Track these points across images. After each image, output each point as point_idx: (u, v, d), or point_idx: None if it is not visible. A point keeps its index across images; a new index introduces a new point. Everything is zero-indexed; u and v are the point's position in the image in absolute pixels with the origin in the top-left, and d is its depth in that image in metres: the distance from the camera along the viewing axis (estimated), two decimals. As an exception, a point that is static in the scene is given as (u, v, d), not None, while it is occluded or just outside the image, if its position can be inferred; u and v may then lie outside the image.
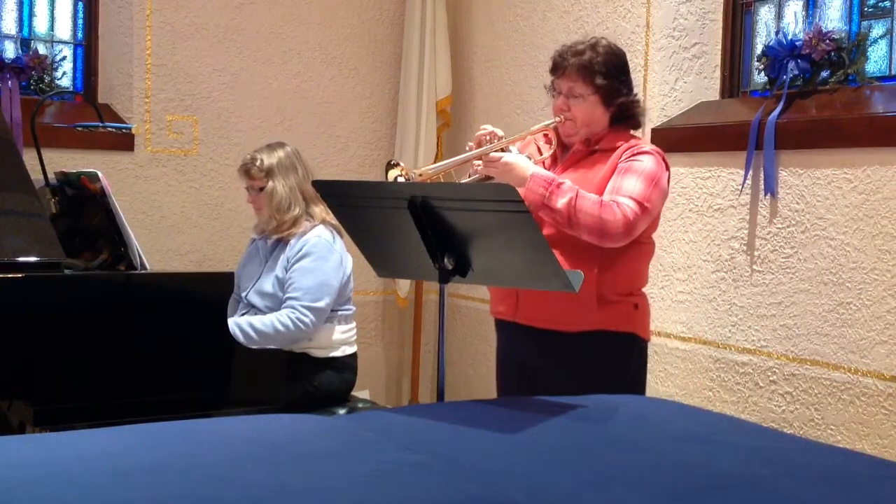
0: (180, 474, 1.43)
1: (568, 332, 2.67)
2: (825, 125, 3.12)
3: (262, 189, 3.33)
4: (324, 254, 3.28)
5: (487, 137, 2.70)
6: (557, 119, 2.74)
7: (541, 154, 2.80)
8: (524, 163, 2.63)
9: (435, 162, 4.54)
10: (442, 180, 2.64)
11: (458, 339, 4.71)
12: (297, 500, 1.37)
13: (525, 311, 2.72)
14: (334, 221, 3.33)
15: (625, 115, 2.75)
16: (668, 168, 2.72)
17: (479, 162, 2.67)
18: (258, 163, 3.33)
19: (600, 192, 2.61)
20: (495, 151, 2.65)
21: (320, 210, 3.33)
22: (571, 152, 2.76)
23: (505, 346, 2.90)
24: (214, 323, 2.76)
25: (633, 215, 2.55)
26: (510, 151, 2.68)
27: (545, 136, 2.82)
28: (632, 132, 2.80)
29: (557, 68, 2.74)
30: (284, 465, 1.52)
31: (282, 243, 3.33)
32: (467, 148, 2.73)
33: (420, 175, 2.61)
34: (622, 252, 2.63)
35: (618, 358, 2.71)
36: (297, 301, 3.21)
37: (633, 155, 2.66)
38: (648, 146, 2.74)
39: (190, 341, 2.73)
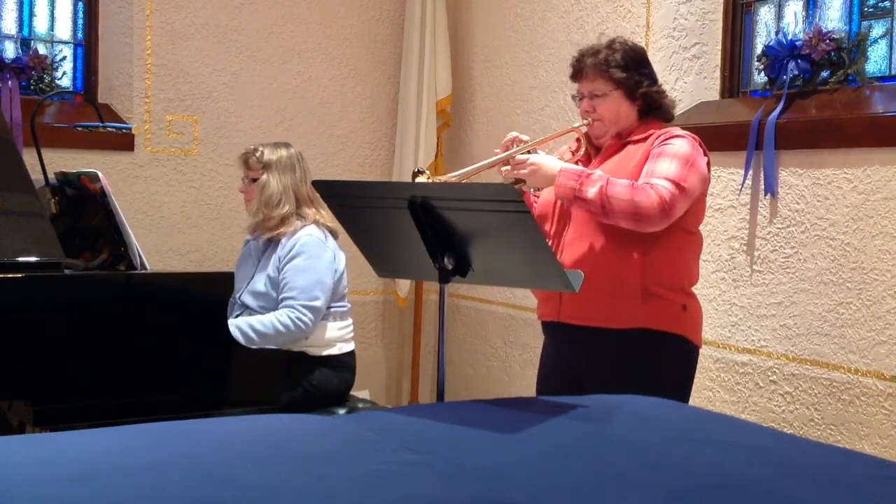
0: (180, 474, 1.43)
1: (611, 329, 2.59)
2: (825, 125, 3.12)
3: (255, 180, 3.35)
4: (316, 252, 3.28)
5: (512, 143, 2.68)
6: (585, 121, 2.70)
7: (572, 154, 2.75)
8: (552, 162, 2.60)
9: (435, 161, 4.55)
10: None
11: (458, 339, 4.71)
12: (297, 500, 1.37)
13: (568, 310, 2.64)
14: (328, 223, 3.34)
15: (652, 106, 2.69)
16: (706, 153, 2.64)
17: (506, 168, 2.64)
18: (258, 154, 3.36)
19: (634, 180, 2.54)
20: (521, 154, 2.63)
21: (312, 212, 3.35)
22: (605, 148, 2.71)
23: (550, 349, 2.82)
24: (214, 323, 2.76)
25: (670, 195, 2.48)
26: (537, 153, 2.66)
27: (577, 140, 2.76)
28: (664, 124, 2.74)
29: (577, 73, 2.72)
30: (284, 465, 1.52)
31: (273, 243, 3.35)
32: (495, 153, 2.70)
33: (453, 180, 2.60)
34: (665, 239, 2.56)
35: (661, 361, 2.61)
36: (295, 300, 3.21)
37: (666, 139, 2.61)
38: (681, 131, 2.67)
39: (190, 341, 2.73)
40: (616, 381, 2.45)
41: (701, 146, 2.64)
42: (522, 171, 2.60)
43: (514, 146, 2.67)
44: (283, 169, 3.35)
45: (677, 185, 2.50)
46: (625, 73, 2.65)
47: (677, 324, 2.62)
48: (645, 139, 2.65)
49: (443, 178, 2.63)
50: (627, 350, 2.59)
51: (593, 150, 2.76)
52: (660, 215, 2.48)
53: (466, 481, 1.50)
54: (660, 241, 2.56)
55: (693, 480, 1.55)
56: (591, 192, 2.49)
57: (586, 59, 2.69)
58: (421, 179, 2.51)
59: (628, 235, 2.53)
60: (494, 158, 2.68)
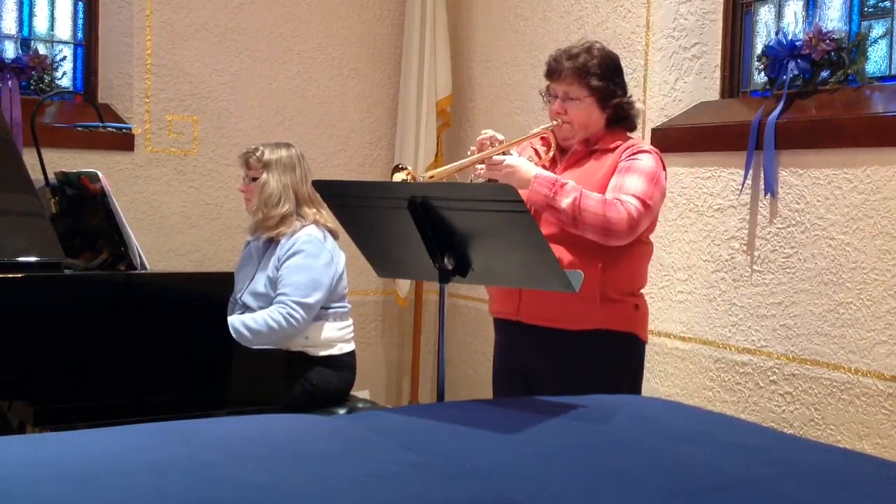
0: (180, 474, 1.43)
1: (570, 330, 2.69)
2: (825, 125, 3.12)
3: (255, 179, 3.35)
4: (314, 251, 3.28)
5: (488, 142, 2.72)
6: (555, 122, 2.77)
7: (539, 157, 2.83)
8: (527, 165, 2.66)
9: (435, 161, 4.55)
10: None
11: (458, 339, 4.71)
12: (297, 500, 1.37)
13: (528, 310, 2.73)
14: (328, 223, 3.35)
15: (620, 116, 2.78)
16: (665, 168, 2.76)
17: (482, 166, 2.69)
18: (258, 153, 3.36)
19: (602, 191, 2.64)
20: (497, 155, 2.67)
21: (312, 212, 3.35)
22: (571, 153, 2.79)
23: (504, 346, 2.90)
24: (214, 323, 2.76)
25: (637, 213, 2.59)
26: (512, 155, 2.71)
27: (543, 139, 2.85)
28: (628, 134, 2.83)
29: (553, 72, 2.77)
30: (284, 465, 1.52)
31: (273, 243, 3.35)
32: (469, 152, 2.75)
33: (431, 178, 2.64)
34: (625, 251, 2.67)
35: (618, 358, 2.73)
36: (287, 297, 3.21)
37: (633, 154, 2.70)
38: (647, 146, 2.79)
39: (190, 341, 2.73)
40: (570, 380, 2.59)
41: (662, 161, 2.76)
42: (498, 174, 2.65)
43: (490, 146, 2.71)
44: (283, 168, 3.35)
45: (643, 202, 2.62)
46: (601, 81, 2.73)
47: (630, 323, 2.75)
48: (612, 150, 2.74)
49: (425, 175, 2.66)
50: (584, 349, 2.69)
51: (558, 152, 2.83)
52: (627, 231, 2.60)
53: (466, 481, 1.50)
54: (620, 252, 2.67)
55: (693, 480, 1.55)
56: (565, 202, 2.57)
57: (564, 62, 2.74)
58: (400, 175, 2.53)
59: (591, 244, 2.63)
60: (471, 158, 2.73)
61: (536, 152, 2.84)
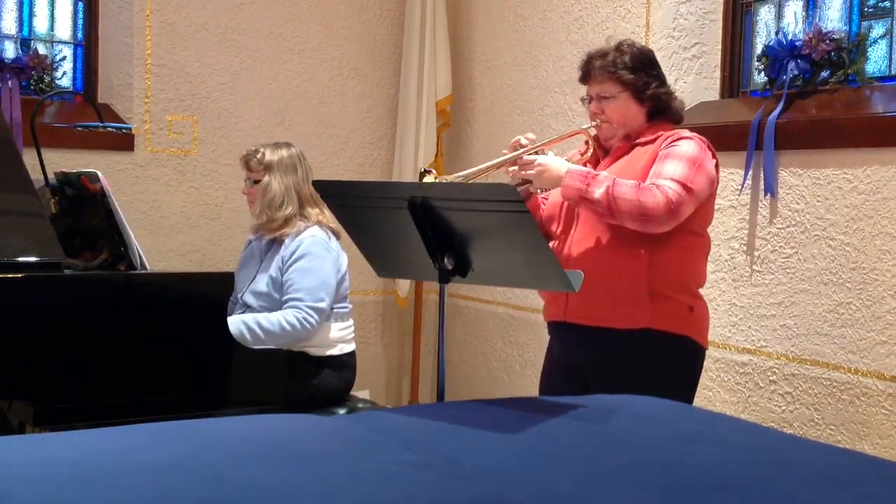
0: (180, 474, 1.43)
1: (617, 329, 2.59)
2: (825, 125, 3.12)
3: (257, 182, 3.35)
4: (320, 253, 3.28)
5: (521, 143, 2.68)
6: (594, 123, 2.71)
7: (580, 155, 2.77)
8: (559, 163, 2.60)
9: (435, 161, 4.55)
10: None
11: (458, 339, 4.71)
12: (297, 500, 1.37)
13: (574, 310, 2.65)
14: (330, 223, 3.34)
15: (661, 108, 2.70)
16: (714, 155, 2.64)
17: (513, 168, 2.65)
18: (259, 155, 3.35)
19: (642, 180, 2.55)
20: (528, 155, 2.64)
21: (315, 212, 3.35)
22: (614, 150, 2.72)
23: (555, 348, 2.82)
24: (214, 323, 2.76)
25: (676, 196, 2.48)
26: (545, 154, 2.66)
27: (582, 146, 2.77)
28: (673, 126, 2.74)
29: (586, 75, 2.73)
30: (284, 465, 1.51)
31: (276, 243, 3.35)
32: (502, 154, 2.70)
33: (464, 178, 2.61)
34: (672, 241, 2.56)
35: (668, 360, 2.61)
36: (301, 302, 3.21)
37: (674, 141, 2.61)
38: (689, 133, 2.67)
39: (190, 341, 2.73)
40: (622, 382, 2.43)
41: (709, 148, 2.64)
42: (529, 172, 2.61)
43: (521, 147, 2.68)
44: (284, 170, 3.35)
45: (684, 185, 2.50)
46: (633, 74, 2.66)
47: (683, 325, 2.62)
48: (653, 141, 2.65)
49: (449, 178, 2.64)
50: (633, 350, 2.59)
51: (602, 152, 2.76)
52: (666, 216, 2.48)
53: (466, 481, 1.50)
54: (667, 243, 2.56)
55: (693, 480, 1.55)
56: (598, 192, 2.49)
57: (594, 62, 2.70)
58: (428, 179, 2.51)
59: (635, 236, 2.54)
60: (502, 159, 2.68)
61: (580, 153, 2.78)
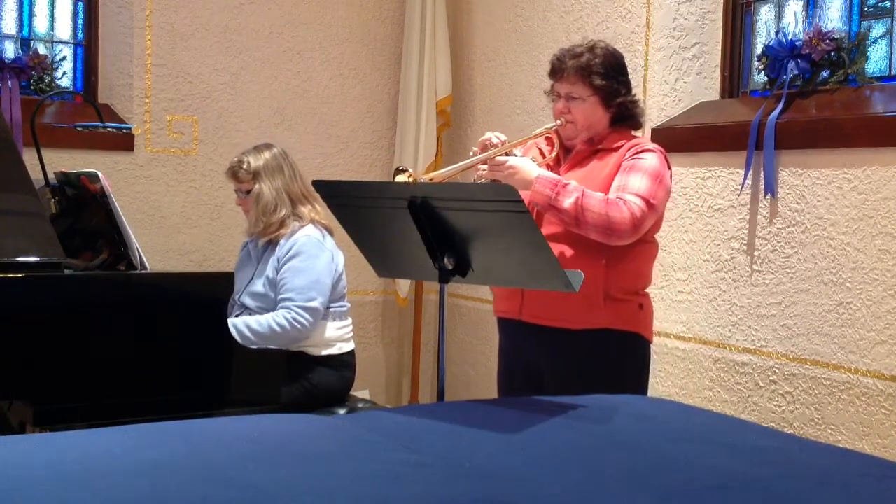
0: (180, 474, 1.43)
1: (573, 329, 2.67)
2: (825, 125, 3.12)
3: (249, 192, 3.35)
4: (314, 252, 3.29)
5: (491, 142, 2.71)
6: (559, 122, 2.75)
7: (543, 157, 2.82)
8: (529, 166, 2.64)
9: (436, 161, 4.55)
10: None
11: (458, 339, 4.71)
12: (297, 500, 1.37)
13: (530, 309, 2.72)
14: (323, 221, 3.35)
15: (625, 115, 2.77)
16: (669, 167, 2.74)
17: (484, 167, 2.68)
18: (245, 165, 3.35)
19: (605, 190, 2.63)
20: (500, 156, 2.66)
21: (308, 210, 3.36)
22: (575, 152, 2.78)
23: (508, 346, 2.89)
24: (214, 323, 2.76)
25: (641, 212, 2.57)
26: (514, 155, 2.70)
27: (547, 138, 2.84)
28: (633, 132, 2.82)
29: (556, 72, 2.76)
30: (284, 465, 1.52)
31: (272, 245, 3.35)
32: (471, 153, 2.74)
33: (430, 180, 2.63)
34: (628, 250, 2.65)
35: (622, 357, 2.72)
36: (292, 302, 3.21)
37: (638, 153, 2.68)
38: (651, 144, 2.76)
39: (190, 341, 2.73)
40: (578, 380, 2.57)
41: (667, 160, 2.73)
42: (500, 174, 2.64)
43: (492, 147, 2.70)
44: (271, 173, 3.35)
45: (647, 202, 2.59)
46: (604, 80, 2.71)
47: (634, 322, 2.73)
48: (616, 149, 2.72)
49: (426, 176, 2.65)
50: (589, 349, 2.68)
51: (562, 151, 2.81)
52: (630, 231, 2.58)
53: (466, 481, 1.50)
54: (624, 251, 2.65)
55: (693, 480, 1.55)
56: (567, 202, 2.56)
57: (567, 61, 2.73)
58: (402, 177, 2.52)
59: (594, 244, 2.61)
60: (474, 159, 2.71)
61: (542, 152, 2.83)
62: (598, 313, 2.66)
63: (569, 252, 2.64)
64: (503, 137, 2.73)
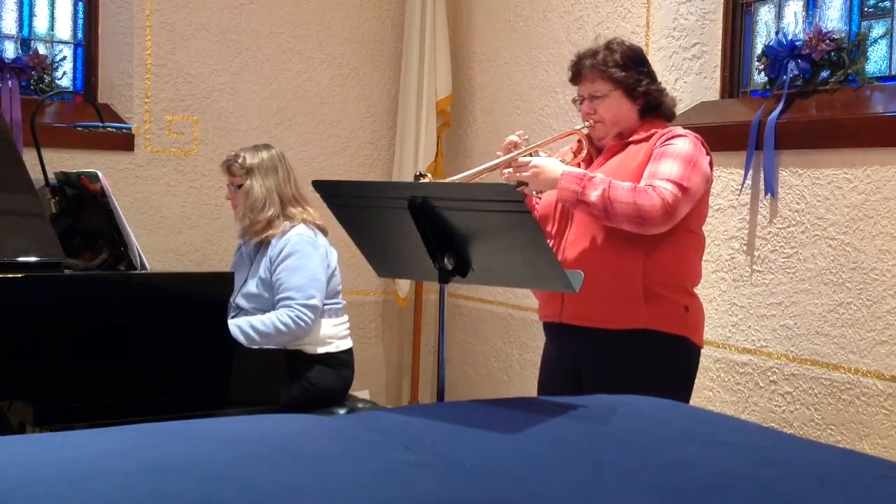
0: (180, 474, 1.43)
1: (612, 329, 2.58)
2: (825, 125, 3.12)
3: (240, 186, 3.36)
4: (308, 250, 3.30)
5: (515, 144, 2.67)
6: (587, 124, 2.69)
7: (575, 156, 2.75)
8: (554, 164, 2.59)
9: (435, 161, 4.55)
10: None
11: (458, 339, 4.71)
12: (297, 500, 1.37)
13: (570, 311, 2.64)
14: (316, 221, 3.36)
15: (653, 105, 2.69)
16: (708, 153, 2.63)
17: (508, 169, 2.64)
18: (240, 160, 3.38)
19: (637, 181, 2.54)
20: (523, 157, 2.63)
21: (299, 211, 3.37)
22: (607, 148, 2.71)
23: (550, 350, 2.81)
24: (214, 323, 2.76)
25: (672, 197, 2.47)
26: (539, 156, 2.66)
27: (578, 142, 2.75)
28: (666, 123, 2.73)
29: (576, 75, 2.72)
30: (284, 465, 1.51)
31: (263, 246, 3.37)
32: (497, 156, 2.69)
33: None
34: (667, 239, 2.55)
35: (664, 361, 2.61)
36: (294, 300, 3.22)
37: (669, 139, 2.59)
38: (683, 130, 2.66)
39: (190, 341, 2.73)
40: (617, 382, 2.43)
41: (703, 145, 2.63)
42: (525, 174, 2.59)
43: (515, 148, 2.67)
44: (265, 172, 3.37)
45: (680, 186, 2.49)
46: (624, 72, 2.64)
47: (679, 324, 2.62)
48: (647, 139, 2.64)
49: (446, 182, 2.63)
50: (629, 351, 2.58)
51: (595, 151, 2.75)
52: (662, 217, 2.47)
53: (466, 481, 1.50)
54: (662, 242, 2.55)
55: (693, 480, 1.55)
56: (594, 195, 2.48)
57: (584, 62, 2.68)
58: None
59: (631, 236, 2.53)
60: (497, 161, 2.67)
61: (574, 153, 2.76)
62: (638, 312, 2.56)
63: (601, 245, 2.56)
64: (525, 136, 2.69)
